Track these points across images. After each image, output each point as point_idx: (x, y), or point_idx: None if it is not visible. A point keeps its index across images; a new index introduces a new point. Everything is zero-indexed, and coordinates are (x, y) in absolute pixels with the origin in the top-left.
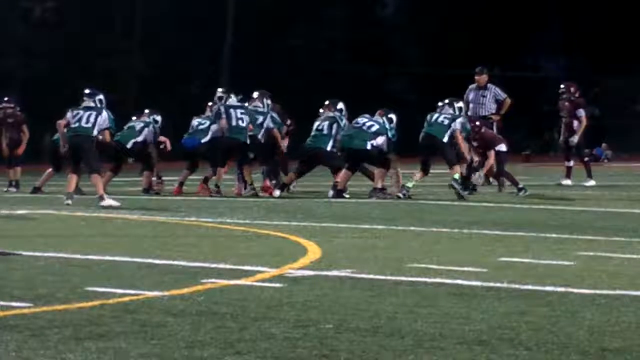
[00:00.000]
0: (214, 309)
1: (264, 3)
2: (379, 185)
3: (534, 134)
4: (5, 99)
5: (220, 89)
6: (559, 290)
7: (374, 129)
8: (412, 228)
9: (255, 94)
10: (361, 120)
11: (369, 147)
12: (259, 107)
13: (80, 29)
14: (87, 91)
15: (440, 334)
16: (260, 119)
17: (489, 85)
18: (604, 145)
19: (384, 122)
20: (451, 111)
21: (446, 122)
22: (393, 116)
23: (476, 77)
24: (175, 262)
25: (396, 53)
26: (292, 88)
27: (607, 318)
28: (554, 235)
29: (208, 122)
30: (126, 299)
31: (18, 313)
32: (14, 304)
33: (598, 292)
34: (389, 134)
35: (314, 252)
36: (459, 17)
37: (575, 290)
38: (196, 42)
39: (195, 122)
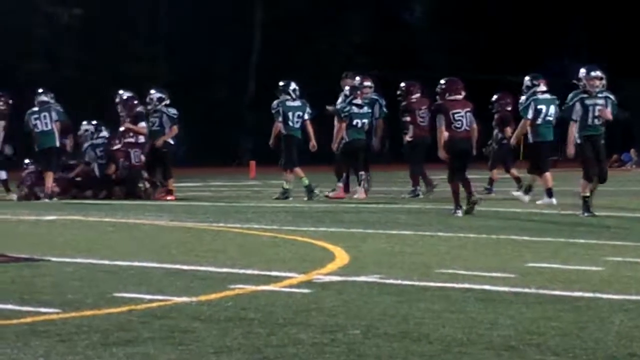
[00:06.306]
0: (241, 314)
1: (291, 6)
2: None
3: (564, 140)
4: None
5: None
6: (587, 296)
7: None
8: (439, 233)
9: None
10: None
11: None
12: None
13: (106, 35)
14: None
15: (468, 339)
16: None
17: None
18: (632, 150)
19: None
20: None
21: None
22: None
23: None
24: (203, 268)
25: (420, 58)
26: (317, 92)
27: (635, 324)
28: (582, 240)
29: None
30: (154, 304)
31: (46, 319)
32: (42, 309)
33: (627, 297)
34: None
35: (341, 257)
36: (483, 22)
37: (604, 296)
38: (223, 48)
39: None
